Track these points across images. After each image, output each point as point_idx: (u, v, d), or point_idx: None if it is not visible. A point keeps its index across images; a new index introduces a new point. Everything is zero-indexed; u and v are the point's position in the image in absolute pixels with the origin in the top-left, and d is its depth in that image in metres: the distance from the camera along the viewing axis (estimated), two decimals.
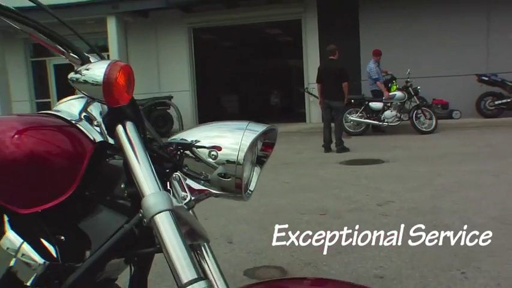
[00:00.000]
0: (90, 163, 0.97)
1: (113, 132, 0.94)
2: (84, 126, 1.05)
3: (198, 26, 13.74)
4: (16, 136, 0.92)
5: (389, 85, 10.39)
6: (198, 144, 1.01)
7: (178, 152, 1.02)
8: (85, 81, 0.89)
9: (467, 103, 10.92)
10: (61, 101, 1.16)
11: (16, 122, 0.98)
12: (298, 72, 16.64)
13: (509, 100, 10.59)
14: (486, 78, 10.79)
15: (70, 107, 1.12)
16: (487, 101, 10.79)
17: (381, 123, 9.88)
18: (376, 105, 9.96)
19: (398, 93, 9.78)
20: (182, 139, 1.03)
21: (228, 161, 0.99)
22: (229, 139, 1.01)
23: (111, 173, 1.03)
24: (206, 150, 1.00)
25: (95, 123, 1.10)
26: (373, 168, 6.42)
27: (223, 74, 19.04)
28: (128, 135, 0.91)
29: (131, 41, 13.69)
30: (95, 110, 1.14)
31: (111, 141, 1.06)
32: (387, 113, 9.83)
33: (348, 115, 9.98)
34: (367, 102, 10.01)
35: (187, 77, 13.58)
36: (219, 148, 0.99)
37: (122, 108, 0.91)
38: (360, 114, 10.01)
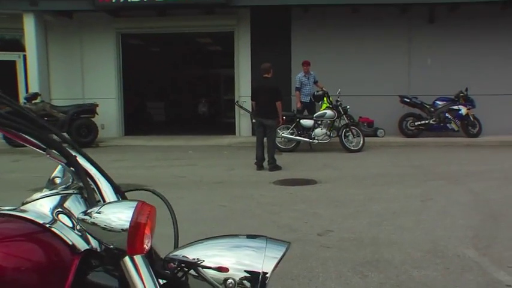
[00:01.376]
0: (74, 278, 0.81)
1: (117, 262, 0.81)
2: (61, 230, 0.88)
3: (126, 32, 13.19)
4: None
5: (320, 102, 10.69)
6: (203, 264, 0.90)
7: (181, 270, 0.91)
8: (98, 225, 0.75)
9: (390, 122, 11.50)
10: (27, 200, 0.99)
11: None
12: (228, 82, 16.61)
13: (427, 122, 11.29)
14: (408, 100, 11.44)
15: (38, 207, 0.94)
16: (408, 122, 11.44)
17: (311, 140, 10.07)
18: (307, 122, 10.14)
19: (329, 112, 10.03)
20: (184, 256, 0.93)
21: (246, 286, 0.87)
22: (236, 259, 0.90)
23: None
24: (213, 272, 0.88)
25: (77, 227, 0.93)
26: (307, 190, 6.47)
27: (151, 81, 18.53)
28: (137, 269, 0.80)
29: (52, 42, 12.78)
30: (74, 206, 0.97)
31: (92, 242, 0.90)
32: (317, 130, 10.04)
33: (279, 131, 10.02)
34: (298, 120, 10.16)
35: (113, 84, 12.95)
36: (225, 269, 0.89)
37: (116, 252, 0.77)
38: (291, 131, 10.13)
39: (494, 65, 11.75)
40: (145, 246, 0.78)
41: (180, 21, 12.62)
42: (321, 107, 10.60)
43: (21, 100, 11.56)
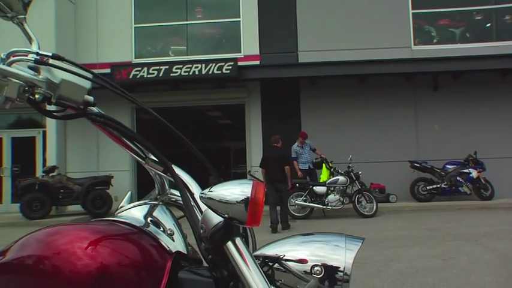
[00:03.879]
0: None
1: (219, 246, 0.91)
2: (155, 232, 0.99)
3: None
4: (90, 247, 0.83)
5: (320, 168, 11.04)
6: (286, 258, 1.00)
7: (266, 265, 1.01)
8: (221, 199, 0.86)
9: (402, 187, 11.56)
10: (119, 210, 1.11)
11: (85, 231, 0.88)
12: (237, 154, 16.90)
13: (438, 186, 11.35)
14: (418, 165, 11.58)
15: (133, 214, 1.06)
16: (420, 186, 11.49)
17: (324, 206, 10.10)
18: (320, 189, 10.23)
19: (341, 178, 10.15)
20: (265, 253, 1.04)
21: (330, 275, 0.97)
22: (318, 252, 1.00)
23: None
24: (297, 264, 0.99)
25: (165, 229, 1.04)
26: None
27: (163, 154, 18.90)
28: (240, 251, 0.89)
29: None
30: (160, 215, 1.09)
31: (177, 248, 1.00)
32: (331, 197, 10.11)
33: (292, 199, 10.13)
34: (311, 186, 10.25)
35: (127, 156, 13.24)
36: (305, 261, 0.99)
37: (236, 226, 0.88)
38: (304, 198, 10.19)
39: (500, 129, 12.02)
40: (259, 219, 0.85)
41: (192, 95, 13.18)
42: (321, 173, 10.91)
43: (40, 173, 11.84)
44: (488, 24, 13.01)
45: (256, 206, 0.84)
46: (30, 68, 0.94)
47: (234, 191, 0.85)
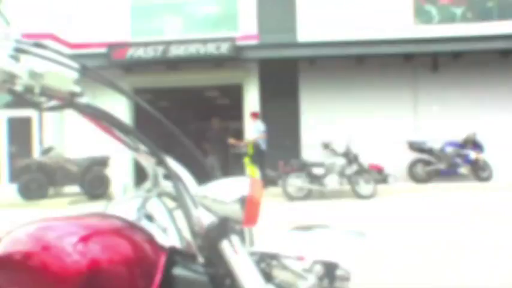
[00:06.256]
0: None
1: (215, 245, 0.87)
2: (148, 227, 0.95)
3: (138, 86, 13.61)
4: (80, 243, 0.79)
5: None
6: (284, 254, 0.98)
7: (264, 262, 0.97)
8: (218, 201, 0.81)
9: (400, 168, 11.57)
10: (112, 203, 1.07)
11: (74, 227, 0.84)
12: (235, 134, 16.76)
13: (437, 167, 11.36)
14: (416, 146, 11.56)
15: (125, 207, 1.01)
16: (418, 167, 11.50)
17: (322, 187, 10.10)
18: (318, 170, 10.21)
19: (339, 159, 10.14)
20: (263, 249, 1.01)
21: (330, 273, 0.94)
22: (316, 250, 0.97)
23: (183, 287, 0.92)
24: (295, 262, 0.95)
25: (159, 224, 1.00)
26: None
27: (160, 135, 18.84)
28: (236, 250, 0.86)
29: None
30: (154, 208, 1.05)
31: (169, 242, 0.97)
32: (329, 178, 10.10)
33: (290, 180, 10.12)
34: (309, 168, 10.23)
35: None
36: (304, 258, 0.96)
37: (231, 224, 0.84)
38: (302, 179, 10.18)
39: (500, 111, 11.98)
40: (256, 218, 0.82)
41: (189, 75, 13.05)
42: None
43: (37, 153, 11.80)
44: (490, 3, 12.82)
45: (253, 205, 0.81)
46: (10, 56, 0.87)
47: (230, 189, 0.81)
